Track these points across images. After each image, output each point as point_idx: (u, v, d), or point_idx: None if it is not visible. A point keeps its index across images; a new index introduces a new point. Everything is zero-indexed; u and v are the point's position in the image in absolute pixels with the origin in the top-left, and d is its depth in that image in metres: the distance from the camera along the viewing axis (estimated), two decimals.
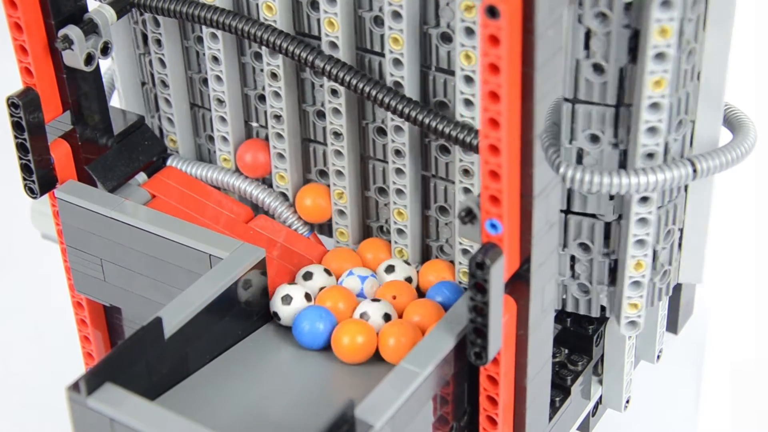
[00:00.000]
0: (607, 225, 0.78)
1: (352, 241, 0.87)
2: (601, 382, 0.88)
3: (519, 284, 0.72)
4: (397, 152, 0.81)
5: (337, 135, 0.83)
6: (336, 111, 0.82)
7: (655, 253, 0.79)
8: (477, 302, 0.70)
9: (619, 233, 0.78)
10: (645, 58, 0.70)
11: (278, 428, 0.74)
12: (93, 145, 0.87)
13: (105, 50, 0.83)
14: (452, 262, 0.85)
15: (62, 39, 0.80)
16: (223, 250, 0.79)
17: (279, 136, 0.86)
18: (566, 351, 0.86)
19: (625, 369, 0.86)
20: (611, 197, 0.77)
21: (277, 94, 0.84)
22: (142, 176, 0.89)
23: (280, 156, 0.87)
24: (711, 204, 0.80)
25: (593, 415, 0.90)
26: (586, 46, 0.72)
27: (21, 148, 0.82)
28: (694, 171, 0.73)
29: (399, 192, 0.83)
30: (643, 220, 0.76)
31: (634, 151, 0.73)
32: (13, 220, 1.18)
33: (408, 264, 0.85)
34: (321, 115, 0.85)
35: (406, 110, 0.77)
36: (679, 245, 0.81)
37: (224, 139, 0.89)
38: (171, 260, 0.81)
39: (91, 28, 0.81)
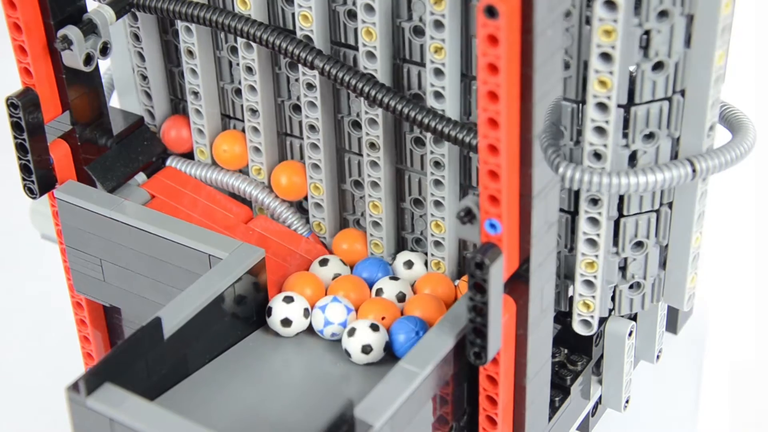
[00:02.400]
0: (573, 220, 0.78)
1: (328, 233, 0.88)
2: (600, 382, 0.88)
3: (518, 284, 0.72)
4: (372, 145, 0.82)
5: (312, 128, 0.84)
6: (311, 104, 0.83)
7: (625, 261, 0.78)
8: (476, 302, 0.70)
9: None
10: (592, 57, 0.70)
11: (277, 428, 0.74)
12: (92, 146, 0.87)
13: (104, 50, 0.83)
14: (425, 253, 0.85)
15: (61, 39, 0.80)
16: (222, 250, 0.79)
17: (255, 129, 0.87)
18: (566, 351, 0.86)
19: (624, 369, 0.86)
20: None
21: (252, 88, 0.85)
22: (141, 176, 0.89)
23: (257, 150, 0.88)
24: (695, 229, 0.79)
25: (593, 415, 0.90)
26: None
27: (20, 148, 0.82)
28: (694, 171, 0.73)
29: (374, 185, 0.83)
30: (592, 220, 0.76)
31: (583, 149, 0.73)
32: (12, 221, 1.18)
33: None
34: (297, 108, 0.86)
35: (405, 109, 0.77)
36: (664, 266, 0.81)
37: (200, 131, 0.90)
38: (170, 260, 0.81)
39: (90, 29, 0.81)
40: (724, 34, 0.72)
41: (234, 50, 0.86)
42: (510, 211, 0.69)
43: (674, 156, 0.76)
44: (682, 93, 0.74)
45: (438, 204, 0.81)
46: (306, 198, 0.88)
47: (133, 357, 0.72)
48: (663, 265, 0.80)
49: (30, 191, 0.84)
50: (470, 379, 0.76)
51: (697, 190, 0.77)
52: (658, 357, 0.90)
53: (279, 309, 0.80)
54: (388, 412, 0.69)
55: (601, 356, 0.87)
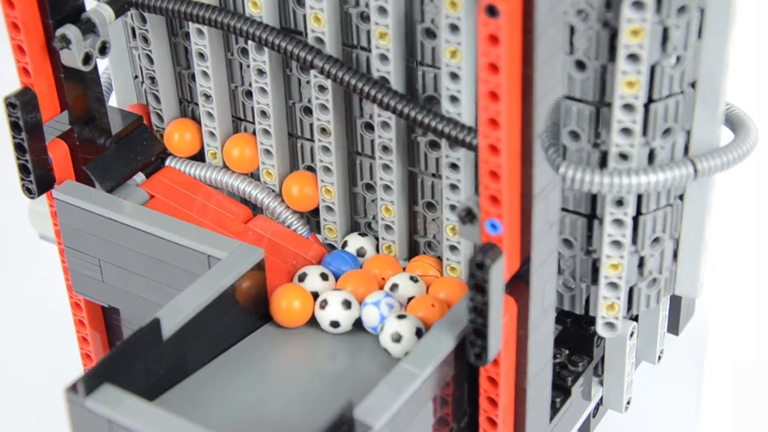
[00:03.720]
0: (590, 222, 0.78)
1: (339, 237, 0.87)
2: (601, 383, 0.88)
3: (519, 284, 0.72)
4: (385, 148, 0.81)
5: (324, 131, 0.83)
6: (323, 107, 0.82)
7: (642, 259, 0.78)
8: (477, 303, 0.69)
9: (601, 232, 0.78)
10: (619, 58, 0.70)
11: (277, 429, 0.74)
12: (91, 145, 0.86)
13: (103, 50, 0.82)
14: (439, 257, 0.85)
15: (60, 38, 0.80)
16: (221, 250, 0.79)
17: (266, 132, 0.86)
18: (567, 352, 0.86)
19: (625, 370, 0.86)
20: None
21: (263, 90, 0.85)
22: (140, 176, 0.89)
23: (267, 152, 0.87)
24: (708, 217, 0.79)
25: (594, 416, 0.89)
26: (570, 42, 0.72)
27: (19, 148, 0.82)
28: (695, 171, 0.73)
29: (386, 188, 0.83)
30: (618, 222, 0.76)
31: (609, 151, 0.74)
32: (10, 221, 1.18)
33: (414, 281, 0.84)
34: (308, 111, 0.85)
35: (406, 110, 0.77)
36: (675, 256, 0.81)
37: (211, 134, 0.89)
38: (169, 261, 0.81)
39: (88, 28, 0.81)
40: (735, 25, 0.72)
41: (244, 52, 0.86)
42: (511, 211, 0.68)
43: (685, 150, 0.76)
44: (693, 85, 0.75)
45: (453, 208, 0.81)
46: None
47: (132, 358, 0.72)
48: (674, 256, 0.80)
49: (28, 191, 0.84)
50: (471, 380, 0.76)
51: (709, 181, 0.78)
52: (659, 358, 0.90)
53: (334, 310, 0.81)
54: (388, 413, 0.69)
55: (603, 357, 0.86)
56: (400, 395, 0.70)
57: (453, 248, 0.83)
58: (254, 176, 0.90)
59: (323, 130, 0.83)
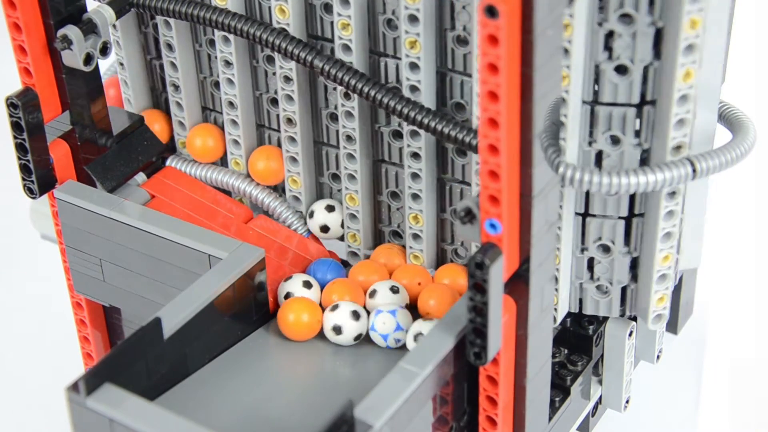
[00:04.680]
0: (628, 223, 0.78)
1: (364, 245, 0.87)
2: (600, 382, 0.88)
3: (518, 284, 0.72)
4: (414, 155, 0.81)
5: (349, 138, 0.83)
6: (349, 114, 0.82)
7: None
8: (476, 302, 0.70)
9: (639, 230, 0.78)
10: (675, 52, 0.70)
11: (278, 428, 0.74)
12: (92, 145, 0.86)
13: (104, 50, 0.83)
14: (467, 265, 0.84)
15: (61, 39, 0.80)
16: (222, 250, 0.79)
17: (291, 139, 0.86)
18: (566, 351, 0.86)
19: (624, 369, 0.86)
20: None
21: (289, 98, 0.84)
22: (141, 176, 0.89)
23: (293, 159, 0.87)
24: (708, 190, 0.80)
25: (593, 416, 0.89)
26: (607, 47, 0.72)
27: (20, 148, 0.82)
28: (694, 171, 0.73)
29: (415, 196, 0.83)
30: (671, 213, 0.76)
31: (664, 145, 0.73)
32: (12, 221, 1.18)
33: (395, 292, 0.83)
34: (334, 118, 0.85)
35: (405, 110, 0.77)
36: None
37: (236, 142, 0.89)
38: (170, 260, 0.81)
39: (90, 28, 0.81)
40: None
41: (270, 59, 0.85)
42: (510, 211, 0.69)
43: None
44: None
45: None
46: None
47: (133, 357, 0.72)
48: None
49: (30, 191, 0.84)
50: (470, 380, 0.76)
51: (707, 182, 0.78)
52: (658, 357, 0.90)
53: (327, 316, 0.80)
54: (388, 413, 0.69)
55: (602, 356, 0.87)
56: (400, 394, 0.70)
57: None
58: (278, 188, 0.90)
59: (349, 138, 0.83)
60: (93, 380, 0.69)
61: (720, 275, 1.08)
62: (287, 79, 0.83)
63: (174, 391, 0.76)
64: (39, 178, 0.84)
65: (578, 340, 0.86)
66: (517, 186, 0.69)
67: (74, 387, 0.69)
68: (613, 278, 0.80)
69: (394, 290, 0.81)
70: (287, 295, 0.81)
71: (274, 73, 0.85)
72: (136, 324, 0.87)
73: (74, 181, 0.85)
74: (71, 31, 0.80)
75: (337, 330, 0.80)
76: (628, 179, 0.72)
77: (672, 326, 0.93)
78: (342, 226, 0.87)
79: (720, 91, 0.76)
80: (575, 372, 0.85)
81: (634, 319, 0.87)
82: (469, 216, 0.70)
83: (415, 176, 0.82)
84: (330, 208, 0.86)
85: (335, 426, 0.66)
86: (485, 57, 0.64)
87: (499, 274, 0.69)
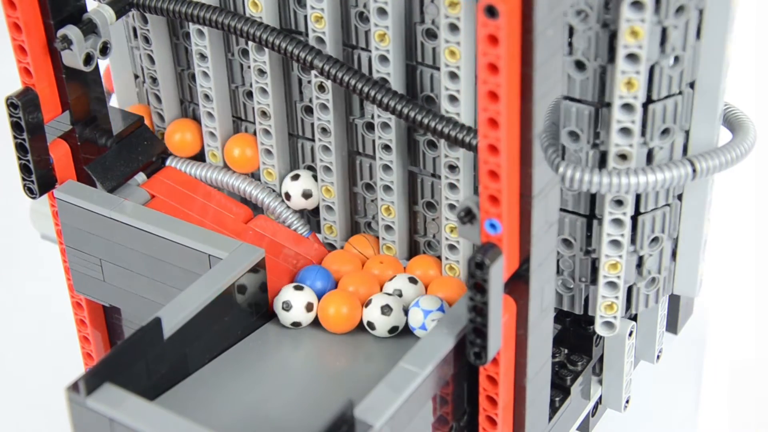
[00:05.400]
0: (589, 223, 0.78)
1: (339, 237, 0.87)
2: (600, 382, 0.88)
3: (518, 284, 0.72)
4: (385, 148, 0.82)
5: (324, 131, 0.83)
6: (323, 107, 0.83)
7: (641, 258, 0.79)
8: (476, 302, 0.70)
9: (600, 232, 0.78)
10: (618, 58, 0.70)
11: (278, 428, 0.74)
12: (92, 145, 0.86)
13: (104, 50, 0.83)
14: (439, 257, 0.85)
15: (61, 39, 0.80)
16: (222, 250, 0.79)
17: (266, 132, 0.87)
18: (566, 351, 0.86)
19: (624, 369, 0.86)
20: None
21: (264, 91, 0.85)
22: (141, 176, 0.89)
23: (268, 152, 0.88)
24: (706, 216, 0.80)
25: (593, 415, 0.89)
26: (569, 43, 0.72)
27: (20, 148, 0.82)
28: (694, 171, 0.73)
29: (386, 188, 0.83)
30: (617, 221, 0.76)
31: (609, 151, 0.74)
32: (12, 221, 1.18)
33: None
34: (309, 110, 0.86)
35: (405, 110, 0.77)
36: (674, 255, 0.81)
37: (212, 134, 0.89)
38: (170, 260, 0.81)
39: (90, 28, 0.81)
40: (733, 25, 0.73)
41: (245, 52, 0.86)
42: (510, 211, 0.69)
43: (684, 150, 0.76)
44: (691, 85, 0.75)
45: (452, 207, 0.81)
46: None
47: (133, 357, 0.72)
48: (672, 256, 0.81)
49: (30, 191, 0.84)
50: (470, 379, 0.76)
51: (707, 181, 0.78)
52: (658, 357, 0.90)
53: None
54: (388, 412, 0.69)
55: (602, 356, 0.87)
56: (400, 394, 0.70)
57: (452, 247, 0.83)
58: (254, 176, 0.90)
59: (324, 130, 0.84)
60: (93, 380, 0.69)
61: (720, 275, 1.08)
62: (261, 72, 0.84)
63: (174, 391, 0.76)
64: (39, 178, 0.84)
65: (578, 340, 0.86)
66: (517, 186, 0.69)
67: (74, 387, 0.69)
68: (575, 275, 0.80)
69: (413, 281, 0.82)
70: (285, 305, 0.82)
71: (249, 66, 0.86)
72: (136, 324, 0.87)
73: (74, 181, 0.85)
74: (71, 31, 0.80)
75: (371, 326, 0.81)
76: (628, 179, 0.72)
77: (672, 326, 0.93)
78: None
79: (719, 104, 0.76)
80: (575, 372, 0.85)
81: (634, 318, 0.87)
82: (469, 216, 0.70)
83: (386, 168, 0.82)
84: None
85: (335, 426, 0.66)
86: (485, 57, 0.64)
87: (499, 274, 0.69)
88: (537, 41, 0.64)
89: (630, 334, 0.84)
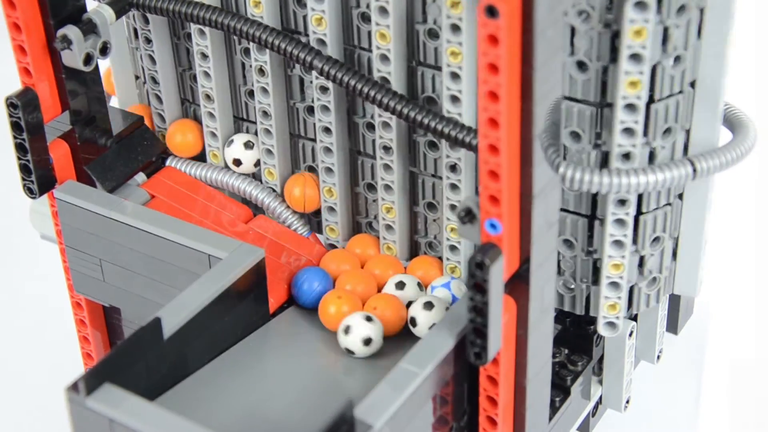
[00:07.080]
0: (590, 223, 0.78)
1: (341, 237, 0.87)
2: (601, 382, 0.88)
3: (519, 284, 0.72)
4: (386, 148, 0.82)
5: (326, 131, 0.83)
6: (325, 108, 0.83)
7: (642, 258, 0.79)
8: (477, 302, 0.70)
9: (602, 233, 0.78)
10: (621, 59, 0.70)
11: (278, 428, 0.74)
12: (92, 145, 0.86)
13: (104, 50, 0.83)
14: (440, 258, 0.85)
15: (61, 39, 0.80)
16: (222, 250, 0.79)
17: (267, 132, 0.87)
18: (566, 351, 0.86)
19: (625, 369, 0.86)
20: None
21: (265, 90, 0.85)
22: (141, 176, 0.89)
23: (269, 152, 0.88)
24: (707, 216, 0.80)
25: (593, 416, 0.89)
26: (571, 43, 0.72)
27: (20, 148, 0.82)
28: (694, 171, 0.73)
29: (387, 188, 0.83)
30: (620, 221, 0.76)
31: (611, 151, 0.74)
32: (11, 221, 1.18)
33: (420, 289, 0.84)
34: (310, 111, 0.86)
35: (405, 110, 0.77)
36: (674, 255, 0.81)
37: (213, 134, 0.89)
38: (170, 260, 0.81)
39: (90, 28, 0.81)
40: (734, 25, 0.73)
41: (247, 52, 0.86)
42: (510, 211, 0.69)
43: (685, 150, 0.76)
44: (692, 84, 0.75)
45: (454, 208, 0.81)
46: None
47: (133, 357, 0.72)
48: (673, 256, 0.81)
49: (29, 191, 0.84)
50: (470, 380, 0.76)
51: (708, 180, 0.78)
52: (658, 357, 0.90)
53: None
54: (388, 413, 0.69)
55: (602, 356, 0.87)
56: (400, 394, 0.70)
57: (453, 248, 0.83)
58: (255, 176, 0.90)
59: (325, 130, 0.84)
60: (93, 380, 0.69)
61: (720, 275, 1.08)
62: (262, 71, 0.84)
63: (174, 391, 0.76)
64: (39, 178, 0.84)
65: (578, 340, 0.86)
66: (517, 186, 0.69)
67: (74, 387, 0.69)
68: (576, 276, 0.80)
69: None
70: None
71: (251, 66, 0.86)
72: (136, 324, 0.87)
73: (74, 181, 0.85)
74: (71, 31, 0.80)
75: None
76: (629, 179, 0.72)
77: (672, 326, 0.93)
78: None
79: (720, 103, 0.76)
80: (575, 372, 0.85)
81: (635, 318, 0.87)
82: (469, 216, 0.70)
83: (387, 168, 0.82)
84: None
85: (335, 426, 0.66)
86: (485, 57, 0.64)
87: (499, 274, 0.69)
88: (537, 41, 0.64)
89: (630, 334, 0.84)
